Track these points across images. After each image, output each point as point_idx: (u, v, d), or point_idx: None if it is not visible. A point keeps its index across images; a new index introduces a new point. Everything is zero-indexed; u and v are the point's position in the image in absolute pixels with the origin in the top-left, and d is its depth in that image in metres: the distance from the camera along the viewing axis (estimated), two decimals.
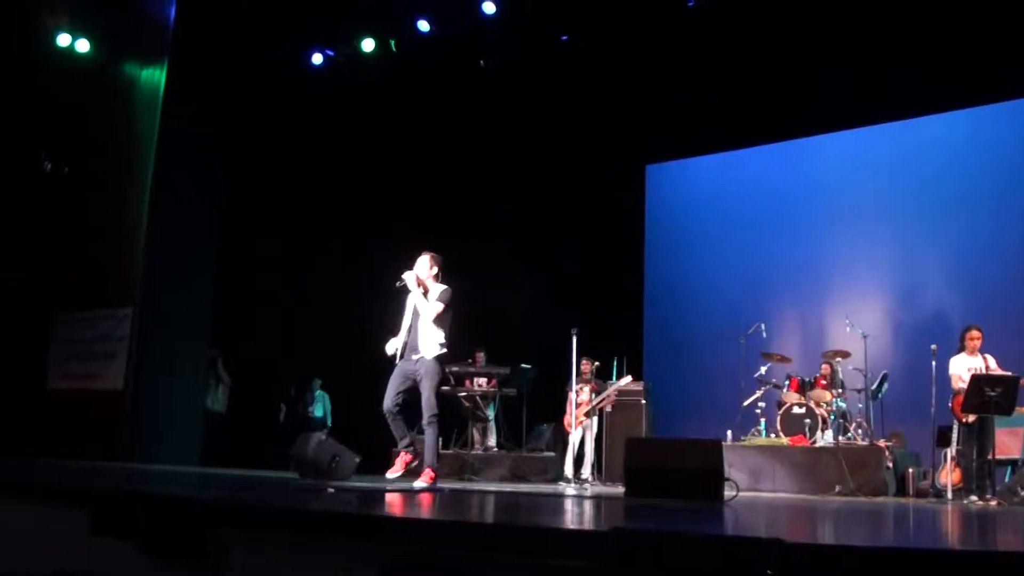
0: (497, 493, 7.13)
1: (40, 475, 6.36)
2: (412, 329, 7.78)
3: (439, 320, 7.71)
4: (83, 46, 13.79)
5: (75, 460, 10.45)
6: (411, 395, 7.72)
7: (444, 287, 7.88)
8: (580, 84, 13.39)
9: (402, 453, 7.76)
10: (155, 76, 13.10)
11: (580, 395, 10.96)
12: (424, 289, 7.82)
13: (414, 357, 7.66)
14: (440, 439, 12.06)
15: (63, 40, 13.70)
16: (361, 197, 14.78)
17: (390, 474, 7.85)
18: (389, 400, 7.62)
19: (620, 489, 8.75)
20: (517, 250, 14.21)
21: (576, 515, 4.62)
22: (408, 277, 7.78)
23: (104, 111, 13.71)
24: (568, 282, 13.65)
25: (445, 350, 7.74)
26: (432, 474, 7.59)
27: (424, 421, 7.66)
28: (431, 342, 7.67)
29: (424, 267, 7.92)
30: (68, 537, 4.44)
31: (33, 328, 13.63)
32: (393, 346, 7.83)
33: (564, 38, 13.05)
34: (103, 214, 13.27)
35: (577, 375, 10.46)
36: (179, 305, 12.56)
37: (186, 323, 12.66)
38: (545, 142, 14.00)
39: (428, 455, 7.67)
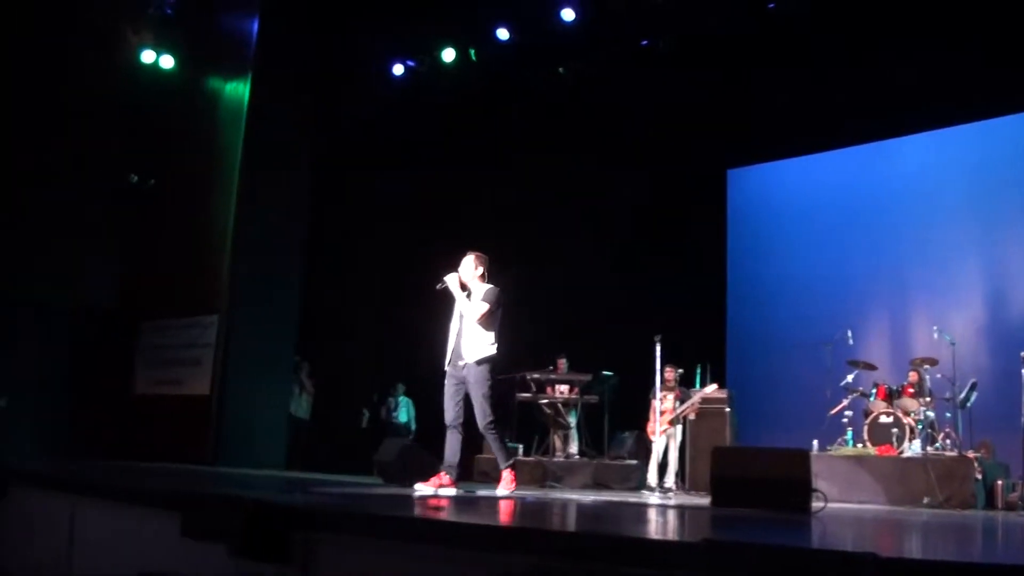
0: (580, 501, 7.09)
1: (130, 478, 6.50)
2: (458, 334, 7.49)
3: (486, 322, 7.36)
4: (167, 62, 14.20)
5: (161, 463, 10.70)
6: (469, 402, 7.43)
7: (490, 287, 7.53)
8: (659, 90, 13.32)
9: (442, 473, 7.35)
10: (238, 90, 13.39)
11: (664, 403, 10.86)
12: (468, 291, 7.56)
13: (460, 363, 7.38)
14: (513, 443, 12.11)
15: (147, 57, 14.10)
16: (444, 202, 14.91)
17: (419, 486, 7.31)
18: (450, 413, 7.38)
19: (704, 499, 8.68)
20: (599, 256, 14.16)
21: (662, 525, 4.59)
22: (450, 280, 7.53)
23: (189, 125, 14.09)
24: (650, 288, 13.55)
25: (493, 352, 7.37)
26: (511, 476, 7.35)
27: (481, 429, 7.38)
28: (477, 346, 7.34)
29: (468, 268, 7.62)
30: (158, 539, 4.55)
31: (121, 335, 14.05)
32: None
33: (644, 43, 13.01)
34: (189, 225, 13.58)
35: (661, 382, 10.38)
36: (264, 312, 12.77)
37: (271, 330, 12.87)
38: (625, 149, 13.96)
39: (500, 460, 7.44)
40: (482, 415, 7.27)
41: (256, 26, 13.40)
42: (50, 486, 6.03)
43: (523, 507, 5.70)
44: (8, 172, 12.73)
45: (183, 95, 14.21)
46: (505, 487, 7.33)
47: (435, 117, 14.51)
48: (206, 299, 12.96)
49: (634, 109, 13.69)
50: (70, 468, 7.35)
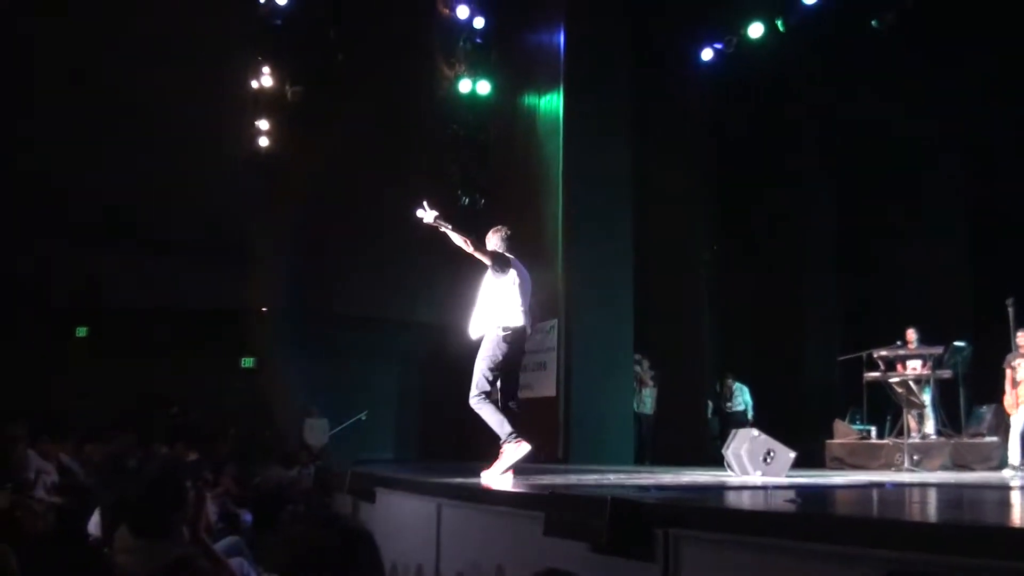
0: (940, 486, 6.76)
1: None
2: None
3: (494, 297, 7.04)
4: (483, 88, 15.08)
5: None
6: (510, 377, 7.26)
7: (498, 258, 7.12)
8: (976, 23, 12.33)
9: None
10: (553, 102, 13.84)
11: (1019, 371, 10.09)
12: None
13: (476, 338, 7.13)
14: (864, 424, 11.66)
15: (464, 87, 15.05)
16: (771, 183, 14.86)
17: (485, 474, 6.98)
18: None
19: None
20: (937, 221, 13.47)
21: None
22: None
23: (511, 142, 14.85)
24: (995, 248, 12.56)
25: (498, 329, 6.97)
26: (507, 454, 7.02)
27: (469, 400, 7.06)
28: (483, 321, 7.08)
29: (489, 243, 7.32)
30: (519, 536, 4.81)
31: (466, 347, 15.03)
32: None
33: None
34: (523, 237, 14.22)
35: (1014, 349, 9.67)
36: (601, 314, 13.10)
37: (609, 331, 13.19)
38: (950, 101, 13.02)
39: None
40: (472, 386, 7.00)
41: (562, 37, 13.80)
42: (416, 491, 6.54)
43: (881, 495, 5.57)
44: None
45: (502, 116, 15.04)
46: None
47: (751, 97, 14.38)
48: (544, 305, 13.52)
49: (954, 47, 12.69)
50: (433, 473, 7.82)
